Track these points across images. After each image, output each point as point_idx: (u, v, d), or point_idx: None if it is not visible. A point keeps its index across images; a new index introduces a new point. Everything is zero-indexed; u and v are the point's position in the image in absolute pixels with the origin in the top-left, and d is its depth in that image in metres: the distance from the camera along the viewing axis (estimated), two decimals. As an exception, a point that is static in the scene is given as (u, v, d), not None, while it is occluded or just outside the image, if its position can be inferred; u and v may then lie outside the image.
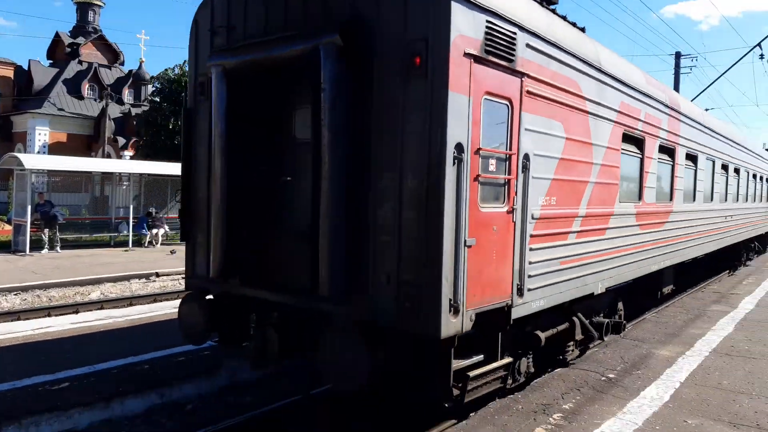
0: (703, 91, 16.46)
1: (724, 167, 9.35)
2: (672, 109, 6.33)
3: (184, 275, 3.80)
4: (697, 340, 6.54)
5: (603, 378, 5.22)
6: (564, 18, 4.00)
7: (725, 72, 16.15)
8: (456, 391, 2.83)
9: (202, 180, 3.53)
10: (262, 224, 3.12)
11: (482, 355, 3.13)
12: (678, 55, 16.30)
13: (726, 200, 9.54)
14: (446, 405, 2.79)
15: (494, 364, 3.04)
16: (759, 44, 15.45)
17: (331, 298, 2.70)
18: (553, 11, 3.63)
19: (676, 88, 15.86)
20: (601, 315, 5.06)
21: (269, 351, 3.14)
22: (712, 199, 8.48)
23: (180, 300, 3.62)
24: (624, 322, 5.57)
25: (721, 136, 9.13)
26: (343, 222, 2.65)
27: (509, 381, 3.40)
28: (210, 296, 3.49)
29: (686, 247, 7.29)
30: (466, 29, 2.40)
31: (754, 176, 12.30)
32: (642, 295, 6.47)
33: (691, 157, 7.14)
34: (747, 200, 11.49)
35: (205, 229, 3.57)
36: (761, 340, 6.49)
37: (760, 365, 5.58)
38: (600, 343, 5.49)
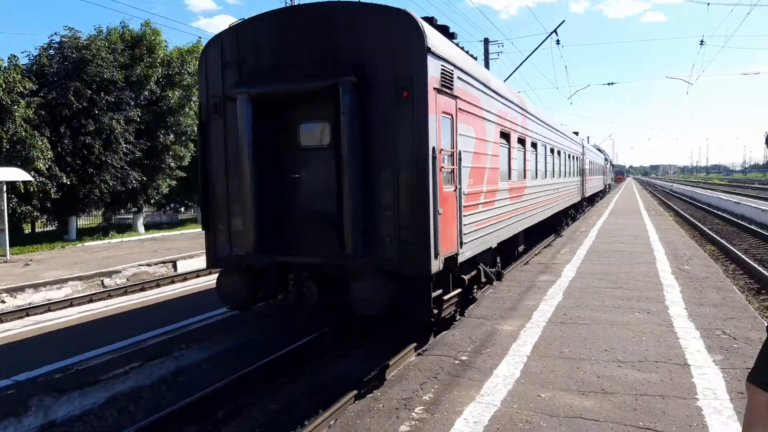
0: (510, 75, 18.95)
1: (552, 150, 13.17)
2: (523, 109, 9.47)
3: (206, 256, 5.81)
4: (533, 311, 7.14)
5: (457, 361, 5.33)
6: (464, 50, 6.29)
7: (528, 57, 18.50)
8: (435, 311, 5.06)
9: (220, 180, 5.38)
10: (277, 210, 5.04)
11: (441, 290, 5.35)
12: (486, 42, 19.02)
13: (554, 177, 13.49)
14: (431, 320, 4.91)
15: (452, 293, 5.33)
16: (555, 30, 18.32)
17: (355, 256, 4.67)
18: (455, 42, 5.85)
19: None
20: (489, 266, 7.38)
21: (308, 299, 5.05)
22: (545, 177, 12.09)
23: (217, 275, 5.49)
24: (502, 271, 8.39)
25: (549, 126, 12.76)
26: (359, 204, 4.60)
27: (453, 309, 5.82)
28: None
29: (534, 214, 10.98)
30: (433, 72, 4.53)
31: (569, 156, 17.15)
32: (506, 253, 9.31)
33: (534, 144, 10.77)
34: (566, 176, 16.34)
35: (225, 219, 5.42)
36: (588, 305, 7.37)
37: (592, 330, 6.26)
38: (490, 287, 8.05)
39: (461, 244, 5.83)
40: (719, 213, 26.39)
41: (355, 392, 4.87)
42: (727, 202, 30.84)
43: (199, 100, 6.01)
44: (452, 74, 5.51)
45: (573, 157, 19.15)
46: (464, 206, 5.96)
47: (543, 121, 12.30)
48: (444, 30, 6.12)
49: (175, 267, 13.43)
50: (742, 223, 20.85)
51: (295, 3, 9.11)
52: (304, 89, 5.23)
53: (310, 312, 5.58)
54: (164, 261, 13.46)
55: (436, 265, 5.13)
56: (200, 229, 10.91)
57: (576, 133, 27.76)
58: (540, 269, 10.39)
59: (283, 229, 5.73)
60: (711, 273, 9.40)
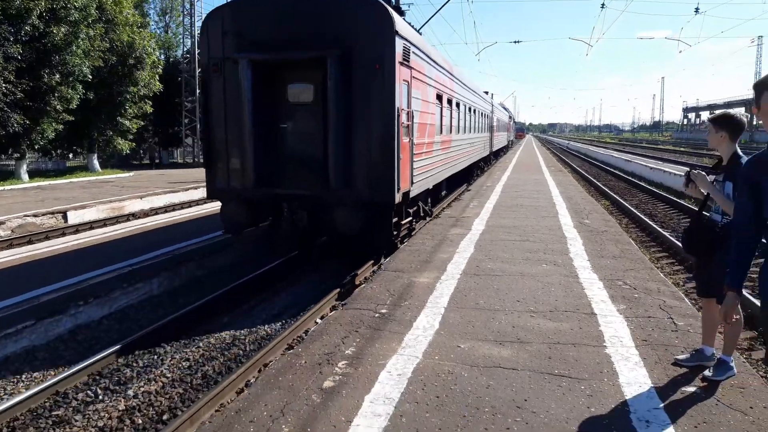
0: (420, 28, 19.34)
1: (469, 109, 16.76)
2: (450, 74, 12.46)
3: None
4: (448, 263, 7.49)
5: (377, 315, 5.53)
6: (414, 27, 9.02)
7: (438, 10, 18.79)
8: (394, 232, 7.59)
9: (220, 127, 7.84)
10: (269, 153, 7.47)
11: (397, 218, 7.93)
12: (397, -8, 19.26)
13: (471, 132, 17.11)
14: (393, 239, 7.48)
15: (406, 220, 7.88)
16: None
17: (337, 189, 7.08)
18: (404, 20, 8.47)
19: None
20: (425, 204, 10.04)
21: (299, 223, 7.53)
22: (465, 132, 15.73)
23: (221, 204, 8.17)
24: (433, 210, 11.09)
25: (468, 87, 16.10)
26: (342, 148, 6.96)
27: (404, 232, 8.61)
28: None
29: (457, 164, 14.24)
30: (398, 49, 6.75)
31: (482, 114, 21.06)
32: (434, 195, 11.98)
33: (458, 104, 13.93)
34: (479, 131, 20.34)
35: (224, 159, 7.93)
36: (498, 257, 7.88)
37: (504, 281, 6.74)
38: (427, 220, 10.67)
39: (412, 183, 8.74)
40: (612, 170, 29.19)
41: (338, 289, 7.26)
42: (618, 160, 34.14)
43: (201, 61, 8.60)
44: (409, 50, 8.34)
45: (484, 114, 24.08)
46: (415, 154, 8.89)
47: (463, 83, 15.67)
48: (398, 9, 9.17)
49: (65, 218, 13.28)
50: (632, 179, 23.33)
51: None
52: (298, 58, 7.80)
53: (299, 233, 8.34)
54: (52, 212, 13.20)
55: (398, 197, 7.98)
56: (91, 178, 14.69)
57: (486, 92, 32.55)
58: (451, 223, 10.84)
59: (276, 168, 8.37)
60: (609, 227, 10.45)
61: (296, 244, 9.18)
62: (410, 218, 9.28)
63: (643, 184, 21.51)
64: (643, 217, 13.66)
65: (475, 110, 19.33)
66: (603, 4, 32.26)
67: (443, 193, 14.04)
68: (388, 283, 6.51)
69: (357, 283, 7.52)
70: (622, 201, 16.60)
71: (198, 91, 30.80)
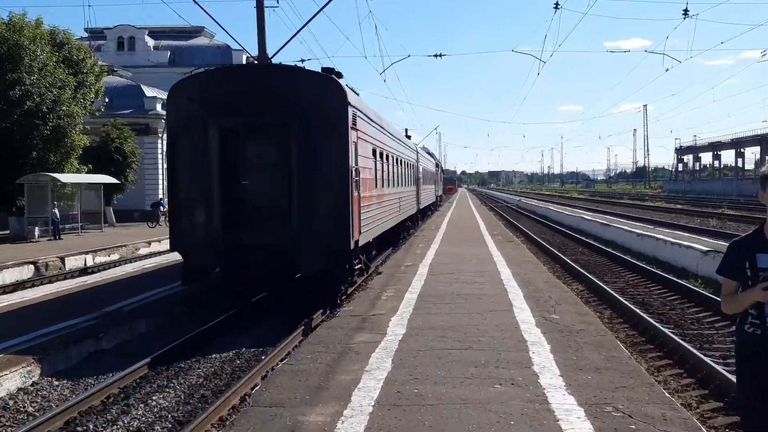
0: (290, 39, 20.66)
1: (396, 160, 23.89)
2: (381, 126, 20.01)
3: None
4: (353, 390, 7.43)
5: None
6: (354, 91, 17.63)
7: (322, 8, 19.74)
8: (349, 277, 16.18)
9: (183, 185, 15.20)
10: (233, 207, 14.48)
11: (349, 264, 16.07)
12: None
13: (399, 186, 24.01)
14: (348, 278, 15.91)
15: (358, 265, 16.47)
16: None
17: (301, 236, 14.48)
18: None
19: (261, 27, 20.16)
20: (362, 258, 16.98)
21: (258, 270, 14.78)
22: (394, 186, 22.57)
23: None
24: (369, 264, 18.40)
25: (394, 136, 23.57)
26: (303, 201, 14.45)
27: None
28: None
29: (389, 219, 21.09)
30: (349, 116, 15.01)
31: (408, 165, 28.63)
32: (365, 254, 18.24)
33: (387, 156, 20.59)
34: (406, 185, 27.40)
35: (186, 214, 15.38)
36: (429, 376, 7.95)
37: (441, 414, 6.73)
38: (365, 276, 17.88)
39: (360, 232, 15.24)
40: (583, 239, 31.01)
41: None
42: (591, 224, 36.41)
43: (167, 125, 15.31)
44: (356, 115, 15.04)
45: (410, 165, 32.21)
46: (361, 206, 15.40)
47: (390, 133, 23.89)
48: (338, 75, 16.05)
49: None
50: (614, 252, 24.88)
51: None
52: (263, 123, 14.25)
53: (258, 281, 14.76)
54: None
55: (353, 243, 14.20)
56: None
57: (408, 137, 40.94)
58: (356, 324, 10.98)
59: (239, 220, 14.26)
60: (586, 323, 10.92)
61: (238, 299, 15.77)
62: (360, 264, 17.27)
63: (629, 258, 22.97)
64: (633, 307, 14.46)
65: (401, 161, 27.17)
66: (557, 4, 30.65)
67: (373, 252, 20.49)
68: (260, 427, 6.30)
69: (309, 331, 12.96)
70: (601, 284, 17.52)
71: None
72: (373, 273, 18.72)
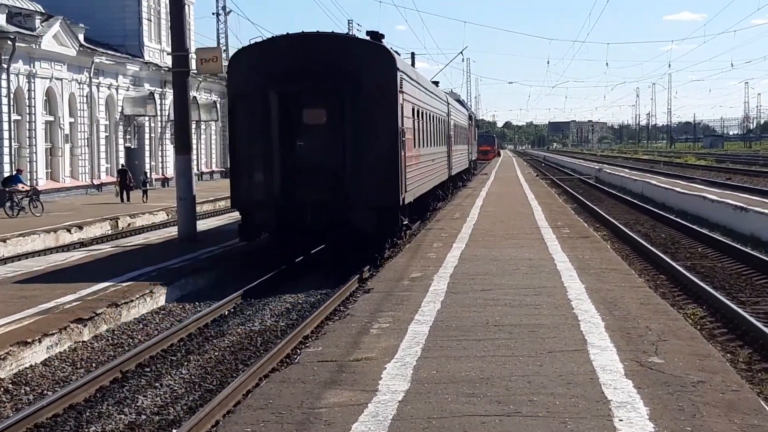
0: None
1: (430, 116, 38.09)
2: (419, 84, 34.65)
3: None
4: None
5: None
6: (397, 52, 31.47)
7: None
8: (397, 232, 28.97)
9: (244, 147, 26.77)
10: (290, 166, 25.66)
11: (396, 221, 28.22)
12: None
13: (432, 145, 38.34)
14: (400, 236, 29.55)
15: (405, 221, 29.15)
16: None
17: (353, 195, 25.52)
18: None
19: (178, 19, 31.12)
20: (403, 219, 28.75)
21: (318, 225, 25.72)
22: (429, 146, 37.16)
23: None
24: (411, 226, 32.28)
25: (429, 91, 38.75)
26: (355, 161, 25.55)
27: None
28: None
29: (427, 181, 35.60)
30: (398, 81, 27.03)
31: (438, 120, 42.22)
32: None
33: (424, 114, 34.75)
34: (437, 145, 41.24)
35: (247, 174, 26.72)
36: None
37: None
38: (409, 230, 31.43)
39: (406, 191, 27.12)
40: (705, 232, 30.81)
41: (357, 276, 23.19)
42: (718, 208, 36.20)
43: (228, 92, 28.24)
44: (402, 79, 27.32)
45: (441, 121, 44.98)
46: (407, 165, 27.60)
47: (425, 88, 36.06)
48: (381, 36, 28.03)
49: None
50: (756, 253, 24.61)
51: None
52: (317, 88, 25.36)
53: (313, 237, 25.62)
54: None
55: (401, 200, 26.03)
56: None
57: (436, 83, 52.71)
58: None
59: (296, 179, 24.95)
60: (708, 370, 10.84)
61: (291, 254, 25.77)
62: (407, 221, 28.70)
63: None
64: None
65: (433, 116, 39.45)
66: None
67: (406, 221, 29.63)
68: None
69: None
70: (734, 306, 17.36)
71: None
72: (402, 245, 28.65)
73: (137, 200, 49.43)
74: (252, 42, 27.65)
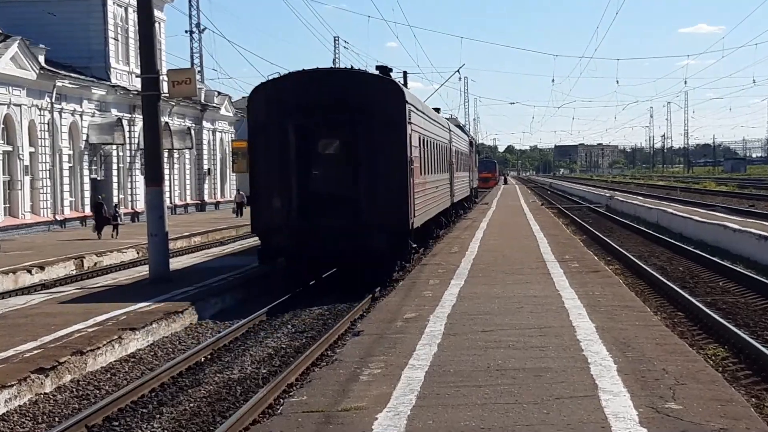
0: None
1: (434, 144, 44.05)
2: (425, 114, 41.18)
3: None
4: None
5: None
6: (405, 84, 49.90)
7: None
8: (406, 255, 34.27)
9: (263, 174, 31.88)
10: (306, 194, 31.13)
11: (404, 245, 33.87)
12: None
13: (435, 173, 43.74)
14: (409, 259, 34.60)
15: (413, 245, 34.69)
16: None
17: (367, 218, 30.66)
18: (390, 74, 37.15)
19: (147, 37, 32.19)
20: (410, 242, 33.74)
21: (332, 248, 30.99)
22: (432, 173, 42.45)
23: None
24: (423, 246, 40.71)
25: (432, 119, 44.40)
26: (368, 188, 30.94)
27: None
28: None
29: (432, 207, 41.31)
30: (407, 113, 32.34)
31: (441, 148, 48.22)
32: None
33: (428, 142, 40.58)
34: (440, 172, 47.20)
35: (266, 201, 31.70)
36: None
37: None
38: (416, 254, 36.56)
39: (414, 215, 31.99)
40: (727, 264, 30.81)
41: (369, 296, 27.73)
42: (741, 237, 36.25)
43: (249, 123, 32.59)
44: (411, 111, 32.83)
45: (443, 148, 49.92)
46: (414, 192, 32.33)
47: (428, 116, 41.41)
48: (389, 70, 36.51)
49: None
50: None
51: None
52: (332, 121, 30.90)
53: (329, 260, 31.02)
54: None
55: (410, 225, 31.20)
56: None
57: (437, 110, 56.52)
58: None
59: (311, 206, 30.01)
60: (731, 417, 10.87)
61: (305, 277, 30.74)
62: (415, 245, 33.98)
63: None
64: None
65: (436, 144, 44.19)
66: None
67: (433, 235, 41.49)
68: None
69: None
70: (759, 346, 17.35)
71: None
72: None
73: (107, 236, 49.36)
74: (270, 77, 32.76)
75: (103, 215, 50.67)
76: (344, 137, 30.89)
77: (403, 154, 30.14)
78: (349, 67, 42.93)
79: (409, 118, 31.30)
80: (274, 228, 29.70)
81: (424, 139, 37.30)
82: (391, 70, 33.00)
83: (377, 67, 34.43)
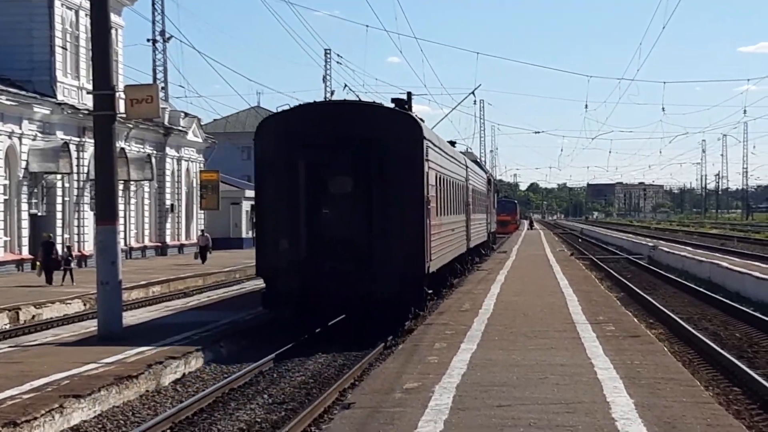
0: None
1: (450, 182, 49.01)
2: (442, 150, 46.95)
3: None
4: None
5: None
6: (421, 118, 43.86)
7: None
8: (420, 303, 39.02)
9: (270, 213, 36.77)
10: (315, 234, 35.39)
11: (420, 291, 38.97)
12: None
13: (450, 214, 48.14)
14: (423, 306, 39.24)
15: (429, 291, 39.56)
16: None
17: (377, 261, 35.25)
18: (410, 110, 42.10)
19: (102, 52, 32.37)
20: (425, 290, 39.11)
21: (341, 291, 35.44)
22: (448, 214, 47.00)
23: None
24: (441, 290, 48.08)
25: (449, 155, 50.07)
26: (381, 228, 35.28)
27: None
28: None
29: (448, 251, 47.16)
30: (424, 150, 36.92)
31: (457, 186, 53.19)
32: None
33: (444, 180, 45.61)
34: (456, 213, 51.53)
35: (272, 241, 36.49)
36: None
37: None
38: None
39: (431, 258, 37.07)
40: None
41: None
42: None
43: (255, 159, 36.52)
44: (428, 147, 37.36)
45: (460, 186, 53.83)
46: (431, 234, 37.11)
47: (445, 152, 46.84)
48: (405, 102, 41.27)
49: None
50: None
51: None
52: (343, 156, 34.49)
53: (338, 305, 34.72)
54: None
55: (426, 269, 35.61)
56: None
57: (452, 143, 61.34)
58: None
59: (320, 246, 34.03)
60: None
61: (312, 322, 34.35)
62: (431, 291, 38.82)
63: None
64: None
65: (452, 182, 48.03)
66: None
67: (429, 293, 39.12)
68: None
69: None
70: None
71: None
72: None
73: (57, 282, 49.67)
74: (279, 110, 37.28)
75: (53, 257, 50.57)
76: (357, 175, 33.25)
77: (420, 194, 33.52)
78: (343, 86, 49.84)
79: (427, 155, 34.68)
80: (279, 270, 32.59)
81: (440, 177, 41.01)
82: (407, 102, 37.20)
83: (392, 100, 37.97)
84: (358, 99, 40.28)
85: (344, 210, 33.41)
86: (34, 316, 39.91)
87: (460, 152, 69.18)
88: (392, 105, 38.66)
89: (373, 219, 32.63)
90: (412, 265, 32.75)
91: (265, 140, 34.64)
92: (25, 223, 62.85)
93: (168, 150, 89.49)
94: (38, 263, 53.10)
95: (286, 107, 36.87)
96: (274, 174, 33.71)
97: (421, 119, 38.61)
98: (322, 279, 32.11)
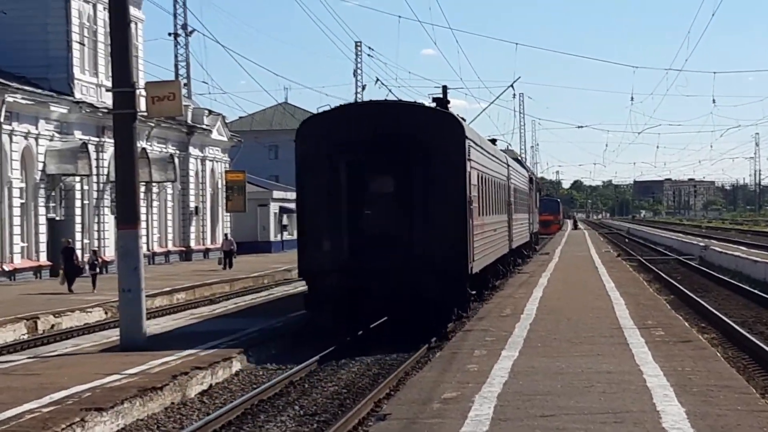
0: None
1: (492, 182, 52.78)
2: (483, 148, 49.76)
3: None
4: None
5: None
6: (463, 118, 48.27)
7: None
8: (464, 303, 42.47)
9: (312, 214, 39.63)
10: (358, 234, 38.10)
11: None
12: None
13: (492, 214, 51.44)
14: (466, 308, 42.37)
15: (472, 292, 42.36)
16: None
17: (421, 262, 37.41)
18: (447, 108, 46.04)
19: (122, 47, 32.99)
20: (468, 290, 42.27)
21: (383, 292, 37.95)
22: (490, 214, 50.14)
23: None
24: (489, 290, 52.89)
25: (490, 153, 53.58)
26: (423, 229, 37.42)
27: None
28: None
29: (492, 251, 50.91)
30: (467, 149, 39.77)
31: (498, 185, 56.48)
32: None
33: (487, 180, 49.33)
34: (498, 213, 55.15)
35: (315, 242, 39.22)
36: None
37: None
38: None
39: (474, 260, 39.78)
40: None
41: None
42: None
43: (297, 159, 38.18)
44: (471, 146, 40.13)
45: (501, 186, 57.12)
46: (474, 234, 40.01)
47: (487, 150, 50.08)
48: (447, 103, 45.54)
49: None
50: None
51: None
52: (385, 156, 37.00)
53: (380, 306, 36.77)
54: None
55: (469, 269, 38.30)
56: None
57: (493, 141, 66.27)
58: None
59: (363, 247, 36.33)
60: None
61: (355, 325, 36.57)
62: (474, 292, 41.48)
63: None
64: None
65: (494, 182, 50.62)
66: None
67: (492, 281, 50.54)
68: None
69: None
70: None
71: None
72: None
73: (79, 289, 49.72)
74: (319, 110, 40.94)
75: (75, 263, 50.76)
76: (399, 175, 35.52)
77: (462, 195, 35.67)
78: (375, 80, 52.76)
79: (469, 155, 37.06)
80: (322, 271, 34.50)
81: (482, 177, 43.78)
82: (448, 102, 40.45)
83: (433, 99, 41.13)
84: (389, 93, 47.08)
85: (386, 210, 35.19)
86: (53, 326, 40.16)
87: (501, 150, 71.42)
88: (433, 104, 40.56)
89: (415, 219, 34.13)
90: (456, 266, 34.48)
91: (305, 141, 36.14)
92: (43, 228, 62.70)
93: (191, 149, 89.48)
94: (61, 271, 52.88)
95: (327, 107, 39.02)
96: (316, 175, 35.34)
97: (462, 118, 40.47)
98: (365, 279, 33.53)
